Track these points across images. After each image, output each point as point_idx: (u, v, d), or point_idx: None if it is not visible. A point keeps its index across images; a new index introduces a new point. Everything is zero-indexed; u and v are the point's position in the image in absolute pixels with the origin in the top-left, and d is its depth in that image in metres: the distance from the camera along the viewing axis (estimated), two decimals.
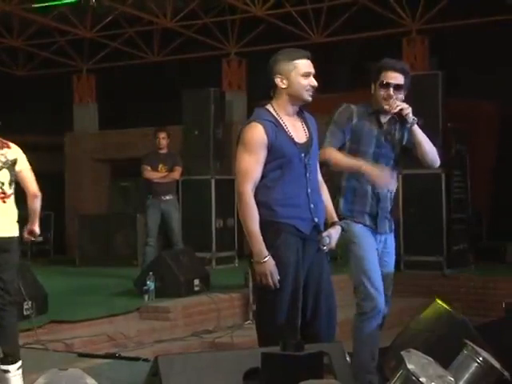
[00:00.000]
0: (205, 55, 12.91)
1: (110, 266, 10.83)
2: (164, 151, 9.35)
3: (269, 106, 4.01)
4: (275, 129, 3.92)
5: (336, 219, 4.16)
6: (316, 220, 3.99)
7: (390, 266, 4.74)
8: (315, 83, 3.97)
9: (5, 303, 4.87)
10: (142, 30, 13.06)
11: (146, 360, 3.64)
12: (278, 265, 3.87)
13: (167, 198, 9.22)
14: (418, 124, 4.55)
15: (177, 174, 9.41)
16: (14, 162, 4.94)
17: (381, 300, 4.52)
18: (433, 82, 10.57)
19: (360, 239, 4.53)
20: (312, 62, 4.00)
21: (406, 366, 2.89)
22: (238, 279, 8.35)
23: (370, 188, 4.51)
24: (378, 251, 4.59)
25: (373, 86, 4.57)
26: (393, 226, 4.74)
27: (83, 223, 12.34)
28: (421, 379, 2.85)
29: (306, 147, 3.99)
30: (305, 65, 3.96)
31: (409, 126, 4.54)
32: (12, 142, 5.08)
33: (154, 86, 13.89)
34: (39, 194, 5.10)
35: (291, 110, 4.00)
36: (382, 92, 4.50)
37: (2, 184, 4.89)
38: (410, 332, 4.55)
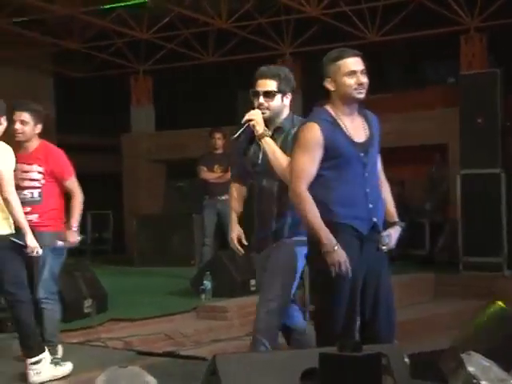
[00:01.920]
0: (260, 56, 12.93)
1: (167, 266, 10.93)
2: (219, 151, 9.39)
3: (327, 106, 4.00)
4: (332, 128, 3.90)
5: (396, 219, 4.11)
6: (374, 220, 3.96)
7: None
8: (362, 80, 3.90)
9: (10, 300, 4.93)
10: (198, 31, 13.14)
11: (203, 359, 3.68)
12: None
13: (223, 198, 9.25)
14: (272, 137, 4.29)
15: None
16: None
17: None
18: (491, 80, 10.40)
19: None
20: (367, 61, 3.95)
21: (466, 368, 2.86)
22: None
23: None
24: None
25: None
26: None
27: (141, 223, 12.48)
28: (482, 382, 2.82)
29: (364, 146, 3.95)
30: (349, 63, 3.91)
31: (257, 138, 4.33)
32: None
33: (209, 86, 13.98)
34: (7, 196, 4.84)
35: (347, 109, 3.97)
36: (255, 102, 4.40)
37: None
38: (470, 334, 4.48)
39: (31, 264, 5.31)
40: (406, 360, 3.68)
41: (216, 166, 9.33)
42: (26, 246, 4.83)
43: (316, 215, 3.84)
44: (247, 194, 4.66)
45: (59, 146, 5.58)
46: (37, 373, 4.85)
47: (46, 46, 14.27)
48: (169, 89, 14.61)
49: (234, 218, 4.72)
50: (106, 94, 14.85)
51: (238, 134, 4.37)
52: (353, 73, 3.89)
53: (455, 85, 11.62)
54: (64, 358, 5.43)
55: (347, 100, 3.95)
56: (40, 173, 5.32)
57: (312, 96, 4.12)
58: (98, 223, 13.86)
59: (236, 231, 4.67)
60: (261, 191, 4.43)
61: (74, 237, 5.37)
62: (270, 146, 4.23)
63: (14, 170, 5.33)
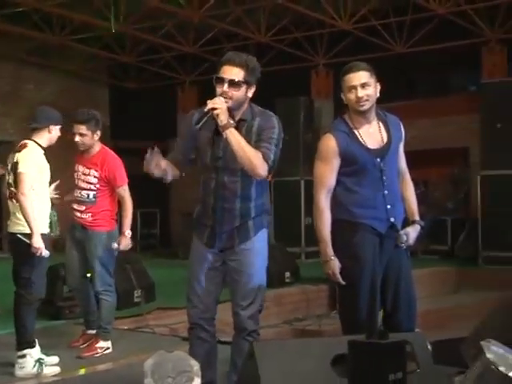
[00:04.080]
0: (295, 67, 12.92)
1: None
2: None
3: (345, 116, 3.98)
4: (347, 138, 3.89)
5: (416, 218, 4.06)
6: (392, 220, 3.92)
7: None
8: (359, 95, 3.82)
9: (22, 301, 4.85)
10: (239, 44, 13.16)
11: (226, 343, 3.71)
12: (355, 260, 3.85)
13: None
14: (237, 128, 3.62)
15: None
16: (16, 165, 4.80)
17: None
18: (511, 89, 10.27)
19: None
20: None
21: (485, 355, 2.82)
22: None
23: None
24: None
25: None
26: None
27: (185, 220, 12.52)
28: (500, 368, 2.77)
29: (380, 152, 3.91)
30: (349, 79, 3.87)
31: (220, 129, 3.61)
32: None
33: None
34: (20, 199, 4.71)
35: (362, 118, 3.93)
36: (218, 89, 3.68)
37: (11, 185, 4.85)
38: (489, 323, 4.41)
39: (86, 259, 5.37)
40: (429, 347, 3.64)
41: None
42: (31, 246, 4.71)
43: (325, 226, 3.88)
44: (202, 191, 3.83)
45: (113, 149, 5.59)
46: (21, 367, 4.74)
47: (102, 59, 14.43)
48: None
49: None
50: (156, 102, 14.95)
51: (201, 123, 3.61)
52: (352, 88, 3.86)
53: (477, 92, 11.50)
54: (115, 343, 5.48)
55: (355, 111, 3.92)
56: (96, 177, 5.33)
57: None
58: (146, 220, 13.97)
59: None
60: (222, 187, 3.72)
61: (127, 242, 5.35)
62: (235, 136, 3.57)
63: (76, 171, 5.39)
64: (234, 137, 3.58)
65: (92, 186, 5.35)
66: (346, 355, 3.21)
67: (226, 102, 3.63)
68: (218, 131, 3.67)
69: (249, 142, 3.64)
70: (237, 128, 3.64)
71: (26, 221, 4.70)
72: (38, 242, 4.69)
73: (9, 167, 4.89)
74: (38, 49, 13.15)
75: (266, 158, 3.65)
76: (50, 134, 4.92)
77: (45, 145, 4.92)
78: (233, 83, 3.65)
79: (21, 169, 4.76)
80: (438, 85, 13.05)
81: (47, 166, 4.89)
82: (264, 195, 3.86)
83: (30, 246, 4.69)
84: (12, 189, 4.84)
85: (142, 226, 14.03)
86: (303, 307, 7.57)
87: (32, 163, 4.79)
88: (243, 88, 3.68)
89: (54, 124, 4.93)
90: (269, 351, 3.29)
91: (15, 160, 4.81)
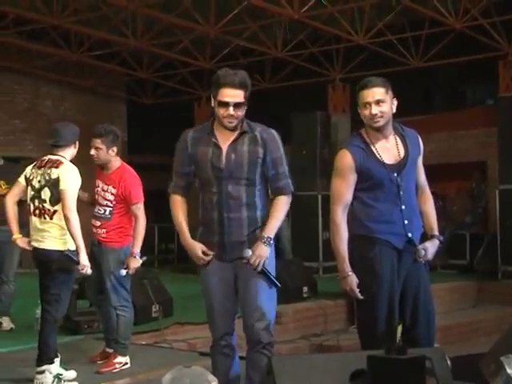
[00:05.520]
0: (312, 81, 12.94)
1: None
2: None
3: (362, 130, 3.97)
4: (363, 154, 3.88)
5: (435, 232, 4.03)
6: (410, 235, 3.90)
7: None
8: (373, 112, 3.81)
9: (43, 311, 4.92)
10: (255, 60, 13.21)
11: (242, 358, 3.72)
12: (373, 275, 3.83)
13: None
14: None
15: None
16: (56, 181, 4.83)
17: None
18: None
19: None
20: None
21: (505, 370, 2.79)
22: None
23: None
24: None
25: (212, 101, 3.85)
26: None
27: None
28: None
29: (397, 167, 3.89)
30: (364, 96, 3.86)
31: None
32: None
33: (263, 110, 14.01)
34: (68, 215, 4.75)
35: (378, 134, 3.91)
36: (221, 111, 3.78)
37: (44, 201, 4.86)
38: (509, 338, 4.37)
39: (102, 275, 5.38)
40: (449, 362, 3.61)
41: None
42: (77, 263, 4.77)
43: (342, 241, 3.87)
44: (204, 209, 3.98)
45: (130, 165, 5.61)
46: (39, 383, 4.76)
47: (120, 75, 14.54)
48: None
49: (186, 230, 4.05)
50: (173, 118, 15.02)
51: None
52: (367, 104, 3.85)
53: (494, 106, 11.46)
54: (133, 358, 5.48)
55: (371, 127, 3.91)
56: (112, 194, 5.34)
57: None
58: (164, 235, 13.98)
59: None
60: (226, 197, 3.77)
61: (136, 263, 5.32)
62: (274, 231, 3.82)
63: (97, 186, 5.41)
64: (274, 232, 3.81)
65: (109, 203, 5.36)
66: (364, 371, 3.19)
67: (231, 123, 3.75)
68: (216, 145, 3.78)
69: (256, 152, 3.77)
70: (238, 140, 3.80)
71: (73, 237, 4.74)
72: (85, 260, 4.77)
73: (40, 183, 4.89)
74: (56, 65, 13.29)
75: (290, 190, 3.89)
76: (75, 150, 5.00)
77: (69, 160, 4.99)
78: (238, 105, 3.74)
79: (64, 185, 4.79)
80: (455, 99, 13.02)
81: (80, 182, 4.95)
82: (267, 205, 3.92)
83: (62, 262, 4.74)
84: (45, 205, 4.86)
85: (159, 240, 14.05)
86: (321, 322, 7.55)
87: (74, 179, 4.85)
88: (244, 106, 3.81)
89: (77, 139, 5.01)
90: (287, 367, 3.28)
91: (55, 176, 4.84)
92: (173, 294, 7.37)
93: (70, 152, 4.98)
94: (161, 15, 10.90)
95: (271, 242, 3.84)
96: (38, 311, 6.40)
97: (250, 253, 3.77)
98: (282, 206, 3.87)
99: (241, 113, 3.77)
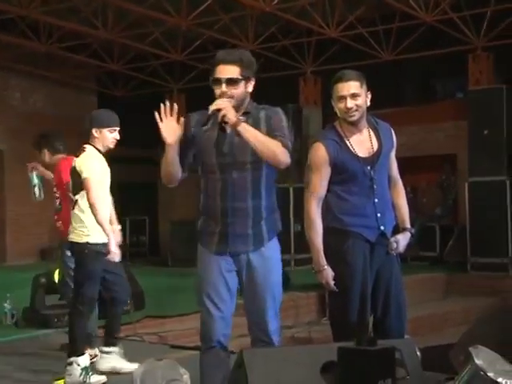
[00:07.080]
0: (283, 74, 12.95)
1: None
2: None
3: (336, 124, 3.97)
4: (337, 147, 3.87)
5: (407, 225, 4.05)
6: (382, 228, 3.91)
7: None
8: (349, 105, 3.79)
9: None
10: None
11: (232, 352, 3.66)
12: (345, 267, 3.85)
13: None
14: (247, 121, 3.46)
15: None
16: (74, 169, 4.80)
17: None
18: (497, 96, 10.37)
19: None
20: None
21: (474, 361, 2.83)
22: (315, 279, 8.31)
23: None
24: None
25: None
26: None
27: (174, 228, 12.52)
28: (489, 374, 2.78)
29: (370, 161, 3.90)
30: (339, 89, 3.85)
31: (231, 127, 3.44)
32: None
33: None
34: (93, 202, 4.67)
35: (353, 128, 3.91)
36: (216, 90, 3.51)
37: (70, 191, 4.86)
38: (477, 328, 4.43)
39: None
40: (418, 353, 3.65)
41: None
42: (106, 253, 4.70)
43: (316, 235, 3.87)
44: (206, 197, 3.69)
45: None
46: (68, 374, 4.75)
47: (90, 67, 14.41)
48: (201, 106, 14.62)
49: None
50: (144, 110, 14.93)
51: (209, 125, 3.47)
52: (342, 98, 3.84)
53: (464, 99, 11.57)
54: None
55: (344, 121, 3.91)
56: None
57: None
58: (135, 228, 13.93)
59: None
60: (231, 185, 3.51)
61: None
62: (250, 131, 3.39)
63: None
64: (248, 131, 3.39)
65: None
66: (335, 362, 3.21)
67: (229, 102, 3.45)
68: (221, 129, 3.50)
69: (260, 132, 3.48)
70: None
71: (100, 225, 4.65)
72: (115, 247, 4.71)
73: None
74: (25, 57, 13.12)
75: (284, 145, 3.45)
76: (97, 137, 4.87)
77: (101, 148, 4.87)
78: (230, 81, 3.47)
79: (84, 174, 4.70)
80: (426, 92, 13.12)
81: (107, 169, 4.85)
82: (273, 194, 3.67)
83: (83, 254, 4.68)
84: (70, 194, 4.81)
85: (130, 233, 14.00)
86: (292, 314, 7.57)
87: (92, 167, 4.73)
88: (241, 84, 3.53)
89: (97, 127, 4.87)
90: (258, 359, 3.29)
91: (73, 164, 4.78)
92: (144, 286, 7.34)
93: (96, 140, 4.86)
94: (132, 6, 10.79)
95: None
96: (6, 305, 6.36)
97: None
98: (278, 148, 3.44)
99: (236, 90, 3.49)
